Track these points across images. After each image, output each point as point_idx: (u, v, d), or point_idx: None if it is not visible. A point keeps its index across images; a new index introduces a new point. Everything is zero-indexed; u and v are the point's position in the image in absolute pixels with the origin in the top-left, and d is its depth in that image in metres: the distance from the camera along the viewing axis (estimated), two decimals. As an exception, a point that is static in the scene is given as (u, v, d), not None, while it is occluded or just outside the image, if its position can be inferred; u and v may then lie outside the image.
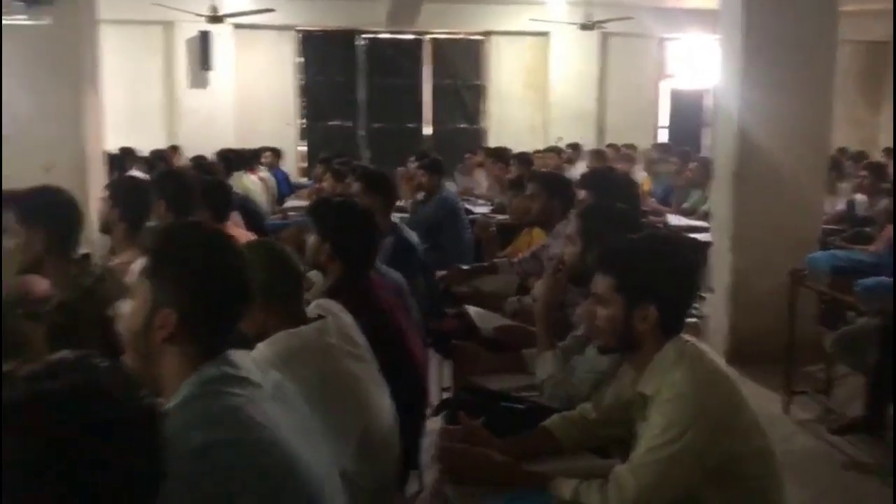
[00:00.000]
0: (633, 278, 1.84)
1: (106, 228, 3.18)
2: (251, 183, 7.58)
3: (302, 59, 11.94)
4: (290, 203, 8.01)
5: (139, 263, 1.49)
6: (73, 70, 5.28)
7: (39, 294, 3.23)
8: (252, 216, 5.74)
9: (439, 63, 12.28)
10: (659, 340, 1.84)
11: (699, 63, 12.22)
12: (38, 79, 5.18)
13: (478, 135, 12.31)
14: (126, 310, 1.49)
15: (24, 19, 5.10)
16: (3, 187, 4.09)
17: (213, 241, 1.48)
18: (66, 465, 0.89)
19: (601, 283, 1.87)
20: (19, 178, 4.59)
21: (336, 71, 12.16)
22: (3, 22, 5.10)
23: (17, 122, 5.12)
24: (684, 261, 1.91)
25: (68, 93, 5.24)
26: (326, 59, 12.12)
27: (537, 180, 3.91)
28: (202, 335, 1.42)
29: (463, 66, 12.40)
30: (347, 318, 2.13)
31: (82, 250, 2.69)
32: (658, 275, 1.85)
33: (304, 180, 10.82)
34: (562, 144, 10.50)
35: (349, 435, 1.96)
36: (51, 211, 2.63)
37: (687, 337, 1.88)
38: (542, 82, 12.07)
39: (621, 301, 1.84)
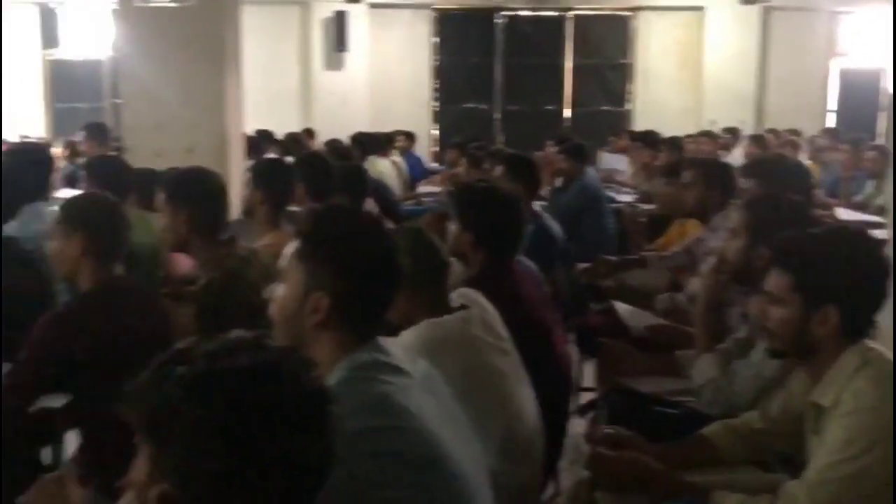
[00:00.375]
0: (813, 277, 1.76)
1: (248, 211, 3.33)
2: (384, 167, 7.74)
3: (437, 40, 12.07)
4: (423, 188, 8.12)
5: (291, 247, 1.55)
6: (217, 52, 5.54)
7: (184, 274, 3.44)
8: (385, 202, 5.86)
9: (582, 41, 12.10)
10: (839, 346, 1.74)
11: (875, 39, 11.44)
12: (182, 61, 5.48)
13: (621, 117, 12.06)
14: (278, 293, 1.55)
15: (170, 1, 5.41)
16: (153, 167, 4.38)
17: (366, 226, 1.53)
18: (240, 442, 0.93)
19: (776, 282, 1.79)
20: (164, 159, 4.90)
21: (472, 51, 12.22)
22: (150, 4, 5.44)
23: (163, 105, 5.45)
24: (872, 259, 1.80)
25: (211, 75, 5.51)
26: (463, 38, 12.19)
27: (694, 167, 3.78)
28: (354, 320, 1.46)
29: (608, 44, 12.18)
30: (492, 310, 2.14)
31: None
32: (841, 274, 1.75)
33: (435, 165, 10.97)
34: (715, 128, 10.12)
35: (492, 431, 1.97)
36: (196, 192, 2.78)
37: (871, 343, 1.77)
38: (695, 61, 11.68)
39: (799, 301, 1.76)
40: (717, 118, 10.79)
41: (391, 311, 1.58)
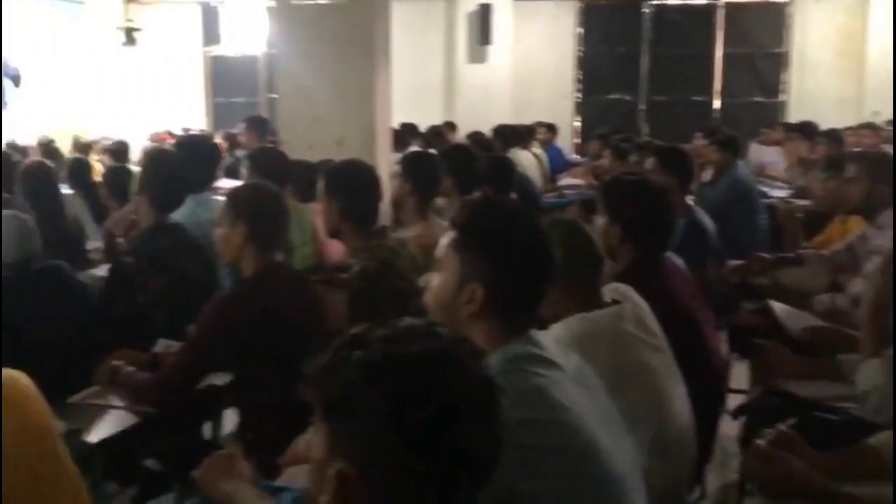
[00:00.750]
0: None
1: (397, 202, 3.41)
2: (525, 159, 7.72)
3: (582, 31, 11.94)
4: (565, 181, 8.05)
5: (446, 237, 1.57)
6: (367, 47, 5.69)
7: (336, 262, 3.56)
8: (527, 194, 5.85)
9: (734, 30, 11.63)
10: None
11: None
12: (334, 56, 5.66)
13: (774, 109, 11.52)
14: (433, 283, 1.57)
15: (323, -1, 5.61)
16: (308, 159, 4.56)
17: (521, 218, 1.53)
18: (412, 426, 0.96)
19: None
20: (316, 151, 5.09)
21: (618, 41, 12.00)
22: (304, 2, 5.64)
23: (316, 99, 5.65)
24: None
25: (361, 69, 5.66)
26: (608, 29, 12.01)
27: (860, 161, 3.55)
28: (508, 312, 1.47)
29: (761, 32, 11.65)
30: (645, 306, 2.09)
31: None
32: None
33: (577, 157, 10.85)
34: (878, 120, 9.49)
35: (642, 429, 1.93)
36: (350, 183, 2.87)
37: None
38: (856, 49, 10.98)
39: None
40: (880, 109, 10.10)
41: (543, 304, 1.57)
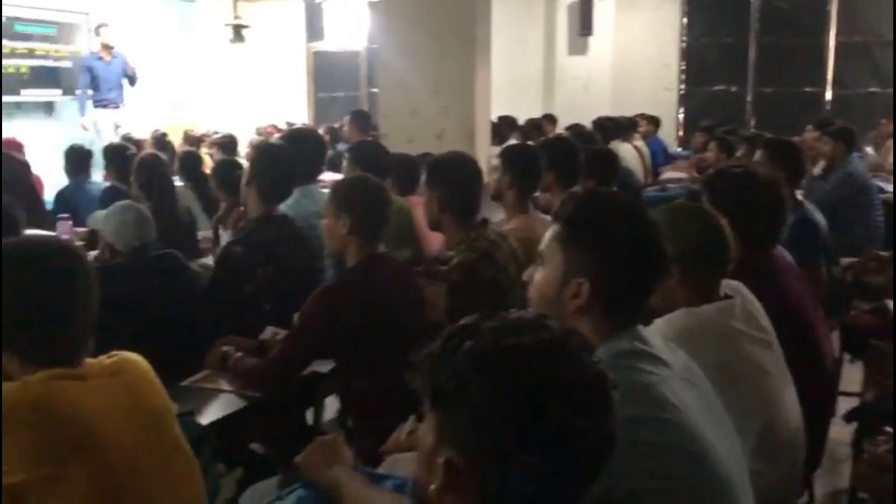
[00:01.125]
0: None
1: (497, 195, 3.40)
2: (626, 152, 7.60)
3: (686, 20, 11.65)
4: (668, 174, 7.89)
5: (551, 230, 1.56)
6: (468, 41, 5.71)
7: (435, 254, 3.60)
8: (628, 188, 5.76)
9: (848, 17, 11.09)
10: None
11: None
12: (434, 50, 5.71)
13: (890, 100, 10.94)
14: (537, 277, 1.56)
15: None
16: (407, 152, 4.61)
17: (629, 211, 1.49)
18: (523, 418, 0.96)
19: None
20: (416, 144, 5.14)
21: (724, 30, 11.63)
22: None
23: (416, 93, 5.71)
24: None
25: (462, 63, 5.69)
26: (714, 18, 11.65)
27: None
28: (614, 307, 1.45)
29: (877, 19, 11.07)
30: (755, 302, 2.03)
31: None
32: None
33: (680, 150, 10.60)
34: None
35: (748, 428, 1.87)
36: (451, 175, 2.88)
37: None
38: None
39: None
40: None
41: (655, 296, 1.53)
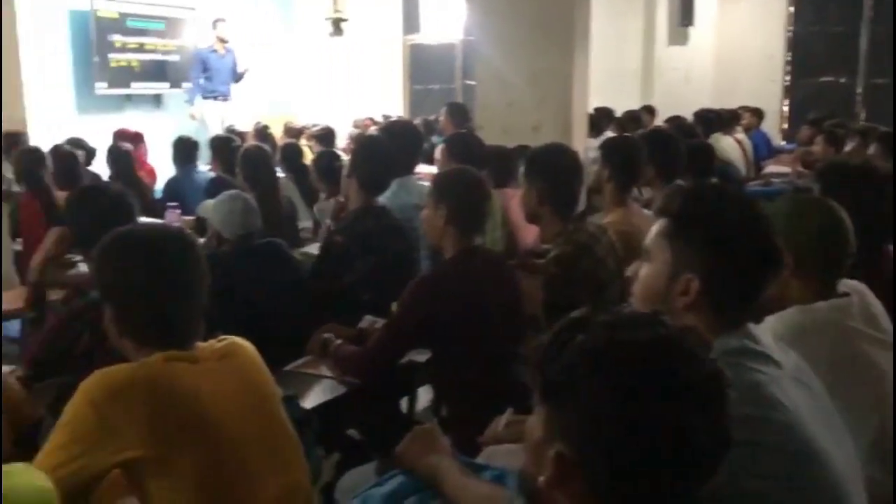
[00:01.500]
0: None
1: (595, 188, 3.36)
2: (728, 145, 7.40)
3: (793, 9, 11.23)
4: (771, 168, 7.64)
5: (657, 225, 1.52)
6: (566, 32, 5.64)
7: (531, 246, 3.58)
8: (728, 182, 5.60)
9: (970, 4, 10.48)
10: None
11: None
12: (532, 41, 5.66)
13: None
14: (643, 272, 1.52)
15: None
16: (503, 144, 4.60)
17: (740, 205, 1.44)
18: (637, 414, 0.94)
19: None
20: (512, 136, 5.12)
21: (834, 20, 11.17)
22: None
23: (513, 85, 5.68)
24: None
25: (560, 54, 5.63)
26: (823, 6, 11.21)
27: None
28: (724, 304, 1.41)
29: None
30: (876, 301, 1.94)
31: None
32: None
33: (784, 143, 10.23)
34: None
35: (862, 432, 1.79)
36: (550, 167, 2.86)
37: None
38: None
39: None
40: None
41: (768, 292, 1.48)
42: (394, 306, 2.85)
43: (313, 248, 3.82)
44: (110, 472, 1.56)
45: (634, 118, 8.62)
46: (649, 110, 9.39)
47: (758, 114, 9.29)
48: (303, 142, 7.68)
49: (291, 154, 5.78)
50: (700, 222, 1.43)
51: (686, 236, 1.43)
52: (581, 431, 0.96)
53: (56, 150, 5.20)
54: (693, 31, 10.88)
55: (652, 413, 0.94)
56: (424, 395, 3.40)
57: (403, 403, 3.18)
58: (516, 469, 1.69)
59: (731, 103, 9.35)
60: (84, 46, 9.01)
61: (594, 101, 8.91)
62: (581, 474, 0.97)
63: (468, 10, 10.61)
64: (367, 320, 2.98)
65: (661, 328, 1.00)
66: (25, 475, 1.36)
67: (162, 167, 6.83)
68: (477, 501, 1.56)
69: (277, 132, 8.58)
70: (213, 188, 4.44)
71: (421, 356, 2.75)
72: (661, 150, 3.65)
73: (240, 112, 9.88)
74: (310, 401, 2.48)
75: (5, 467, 1.34)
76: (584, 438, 0.96)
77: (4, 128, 6.89)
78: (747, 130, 8.67)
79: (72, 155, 5.08)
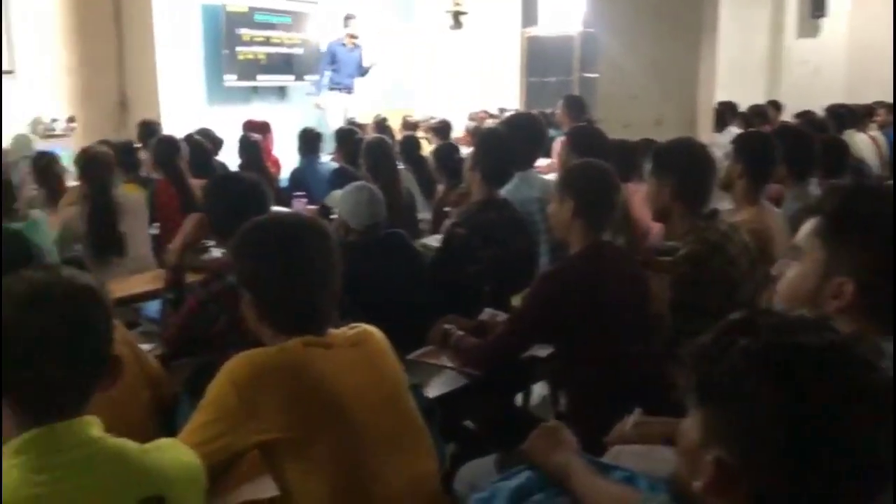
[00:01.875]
0: None
1: (727, 184, 3.23)
2: (862, 142, 7.02)
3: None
4: (908, 168, 7.20)
5: (810, 224, 1.45)
6: (693, 24, 5.47)
7: (656, 244, 3.48)
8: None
9: None
10: None
11: None
12: (656, 33, 5.52)
13: None
14: (791, 273, 1.46)
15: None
16: (624, 138, 4.50)
17: (902, 207, 1.36)
18: (805, 421, 0.89)
19: None
20: (633, 130, 5.01)
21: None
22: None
23: (635, 77, 5.55)
24: None
25: (685, 47, 5.47)
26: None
27: None
28: (882, 309, 1.33)
29: None
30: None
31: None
32: None
33: (922, 142, 9.64)
34: None
35: None
36: (683, 162, 2.76)
37: None
38: None
39: None
40: None
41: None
42: (514, 299, 2.83)
43: (432, 240, 3.84)
44: (249, 452, 1.61)
45: (760, 113, 8.30)
46: (776, 105, 9.02)
47: (894, 110, 8.77)
48: (419, 134, 7.75)
49: (409, 146, 5.84)
50: (859, 224, 1.36)
51: (843, 237, 1.36)
52: (743, 437, 0.92)
53: (189, 139, 5.42)
54: (825, 23, 10.39)
55: (820, 422, 0.88)
56: (538, 390, 3.37)
57: (518, 398, 3.17)
58: (646, 471, 1.65)
59: (864, 98, 8.89)
60: (215, 40, 9.35)
61: (717, 95, 8.64)
62: (743, 481, 0.92)
63: (588, 2, 10.47)
64: (487, 313, 2.97)
65: (832, 333, 0.94)
66: (174, 450, 1.41)
67: (285, 158, 7.02)
68: (608, 502, 1.53)
69: (395, 125, 8.70)
70: (337, 178, 4.54)
71: (542, 351, 2.72)
72: (793, 147, 3.49)
73: (360, 104, 10.05)
74: (432, 391, 2.49)
75: (155, 442, 1.40)
76: (748, 446, 0.91)
77: (141, 117, 7.27)
78: (882, 127, 8.19)
79: (204, 144, 5.28)
